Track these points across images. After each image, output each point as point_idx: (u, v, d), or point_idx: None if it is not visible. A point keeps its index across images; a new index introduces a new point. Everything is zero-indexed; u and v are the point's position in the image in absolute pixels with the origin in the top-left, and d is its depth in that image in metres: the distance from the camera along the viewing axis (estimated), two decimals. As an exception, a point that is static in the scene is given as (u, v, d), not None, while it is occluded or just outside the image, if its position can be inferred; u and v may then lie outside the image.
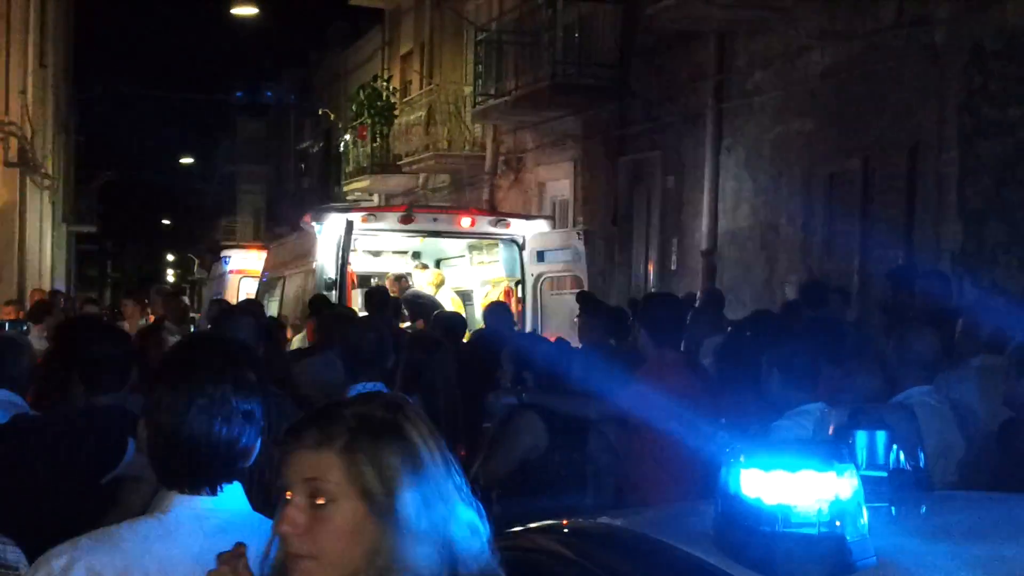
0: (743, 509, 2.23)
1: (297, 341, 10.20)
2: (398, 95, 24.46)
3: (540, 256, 11.86)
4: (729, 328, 7.92)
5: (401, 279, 12.85)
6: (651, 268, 14.65)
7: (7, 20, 19.23)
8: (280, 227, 28.05)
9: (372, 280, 13.15)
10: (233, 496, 2.44)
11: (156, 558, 2.32)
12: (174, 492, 2.40)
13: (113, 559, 2.30)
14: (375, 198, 25.78)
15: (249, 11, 23.93)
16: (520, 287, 12.07)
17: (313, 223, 11.36)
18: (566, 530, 3.07)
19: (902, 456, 2.76)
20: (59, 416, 4.22)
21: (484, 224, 12.24)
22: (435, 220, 12.29)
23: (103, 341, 4.31)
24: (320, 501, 1.92)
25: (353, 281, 12.21)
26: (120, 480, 3.84)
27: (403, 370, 5.88)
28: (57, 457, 3.76)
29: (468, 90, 20.06)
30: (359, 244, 12.17)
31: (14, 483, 3.72)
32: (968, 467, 4.87)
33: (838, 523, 2.18)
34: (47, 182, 24.67)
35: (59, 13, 26.00)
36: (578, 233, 11.68)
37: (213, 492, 2.41)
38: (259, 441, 2.50)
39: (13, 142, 19.25)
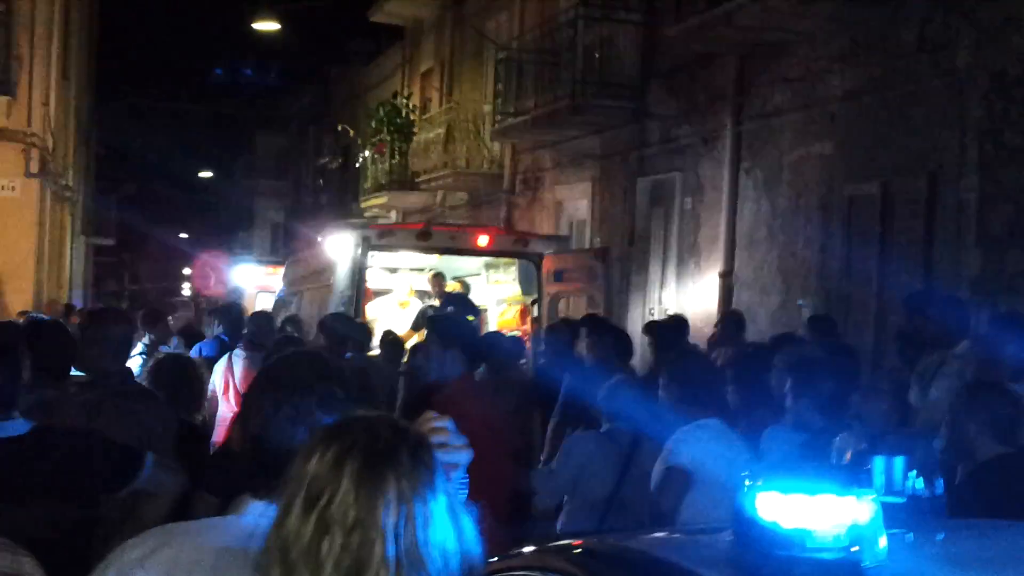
0: (760, 532, 2.22)
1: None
2: (417, 112, 24.50)
3: (557, 275, 11.86)
4: (748, 351, 7.90)
5: (440, 278, 12.90)
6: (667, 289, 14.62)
7: (31, 32, 19.35)
8: (297, 242, 28.05)
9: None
10: None
11: (229, 556, 2.34)
12: (249, 498, 2.47)
13: (185, 553, 2.34)
14: (392, 215, 25.82)
15: (270, 26, 24.01)
16: (536, 306, 12.06)
17: (331, 239, 11.39)
18: (579, 551, 3.05)
19: (920, 483, 2.75)
20: (76, 429, 4.24)
21: (501, 242, 12.27)
22: (452, 238, 12.33)
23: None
24: None
25: (369, 298, 12.24)
26: (138, 493, 3.87)
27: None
28: (66, 469, 3.78)
29: (487, 108, 20.09)
30: (376, 261, 12.21)
31: (22, 491, 3.74)
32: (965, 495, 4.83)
33: (856, 548, 2.16)
34: (67, 193, 24.78)
35: (82, 26, 26.17)
36: (595, 253, 11.68)
37: None
38: None
39: (35, 153, 19.35)
